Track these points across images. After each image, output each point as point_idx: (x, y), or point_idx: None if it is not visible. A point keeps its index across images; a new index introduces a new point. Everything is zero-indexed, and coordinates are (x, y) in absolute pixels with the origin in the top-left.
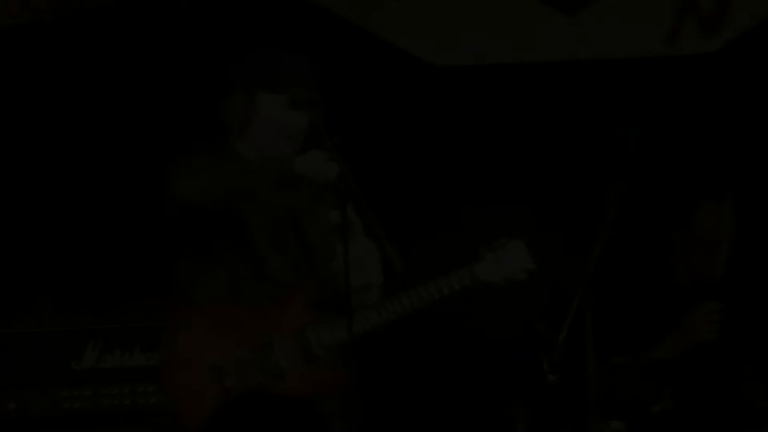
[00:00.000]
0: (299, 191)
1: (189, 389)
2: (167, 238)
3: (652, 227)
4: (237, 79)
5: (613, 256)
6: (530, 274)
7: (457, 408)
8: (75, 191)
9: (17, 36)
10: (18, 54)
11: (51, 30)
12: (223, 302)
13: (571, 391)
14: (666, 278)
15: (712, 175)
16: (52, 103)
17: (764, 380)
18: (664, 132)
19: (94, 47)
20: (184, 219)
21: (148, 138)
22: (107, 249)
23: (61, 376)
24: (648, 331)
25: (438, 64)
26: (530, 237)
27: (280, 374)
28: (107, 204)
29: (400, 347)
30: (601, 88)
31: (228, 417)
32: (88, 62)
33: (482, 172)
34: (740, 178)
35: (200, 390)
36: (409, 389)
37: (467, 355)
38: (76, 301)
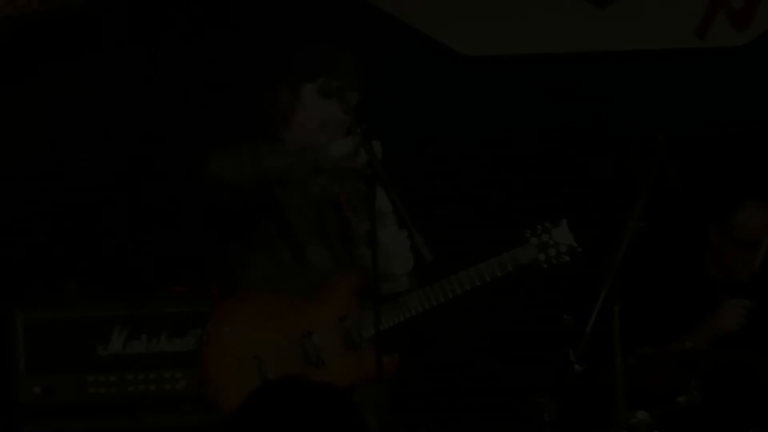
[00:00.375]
0: (342, 180)
1: (230, 378)
2: (205, 226)
3: (688, 221)
4: (277, 69)
5: (642, 247)
6: (575, 256)
7: (483, 397)
8: (104, 177)
9: (45, 23)
10: (47, 41)
11: (80, 17)
12: (264, 291)
13: (597, 382)
14: (697, 272)
15: (758, 175)
16: (86, 88)
17: None
18: (700, 127)
19: (126, 34)
20: (225, 204)
21: (177, 125)
22: (135, 235)
23: (88, 361)
24: (675, 322)
25: (467, 54)
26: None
27: (320, 363)
28: (136, 190)
29: (427, 335)
30: (632, 79)
31: (261, 401)
32: (120, 49)
33: (509, 163)
34: None
35: (241, 379)
36: (436, 378)
37: (495, 345)
38: (103, 287)
